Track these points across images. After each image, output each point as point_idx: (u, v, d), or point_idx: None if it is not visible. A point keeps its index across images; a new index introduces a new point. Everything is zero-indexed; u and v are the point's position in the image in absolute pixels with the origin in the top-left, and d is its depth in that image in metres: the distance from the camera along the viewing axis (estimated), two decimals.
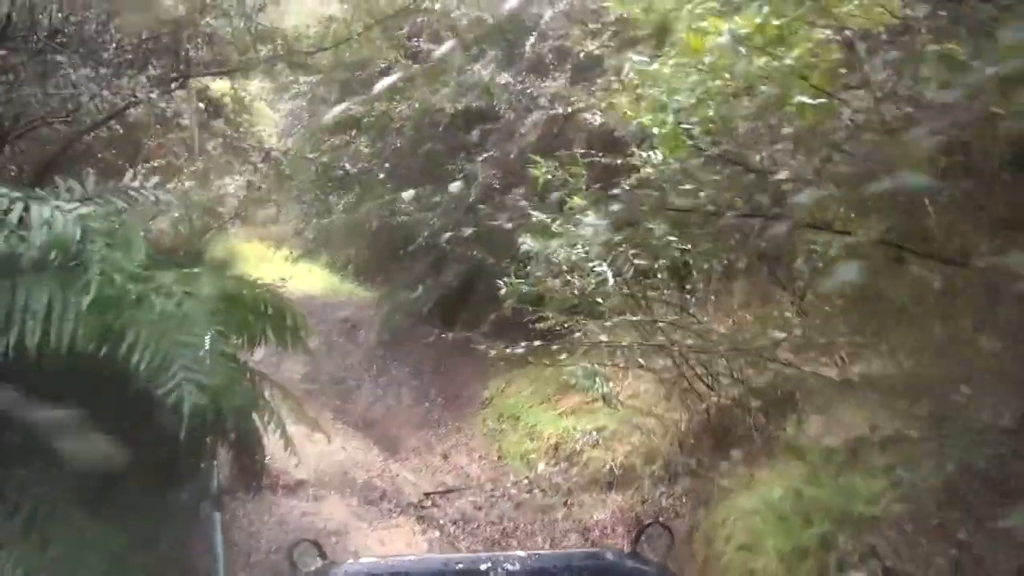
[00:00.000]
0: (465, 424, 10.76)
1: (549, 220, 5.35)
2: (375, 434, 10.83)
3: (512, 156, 9.41)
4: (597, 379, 6.10)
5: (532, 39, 10.01)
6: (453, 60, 10.21)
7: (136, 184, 4.19)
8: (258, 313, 4.74)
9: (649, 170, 4.38)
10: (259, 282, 5.23)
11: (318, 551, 3.29)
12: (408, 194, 10.08)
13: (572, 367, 6.30)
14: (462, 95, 10.21)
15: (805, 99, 3.67)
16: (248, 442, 5.04)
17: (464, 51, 10.28)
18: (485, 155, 9.73)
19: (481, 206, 9.68)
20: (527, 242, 5.64)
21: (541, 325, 7.26)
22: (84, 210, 3.40)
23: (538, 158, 5.64)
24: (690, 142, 4.13)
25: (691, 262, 5.65)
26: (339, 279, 18.32)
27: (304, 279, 17.93)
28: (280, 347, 5.21)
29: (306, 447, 9.77)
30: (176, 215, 5.25)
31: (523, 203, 7.23)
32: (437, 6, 10.70)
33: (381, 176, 11.24)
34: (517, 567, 3.02)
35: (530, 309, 7.27)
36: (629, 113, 4.53)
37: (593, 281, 4.91)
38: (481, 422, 10.51)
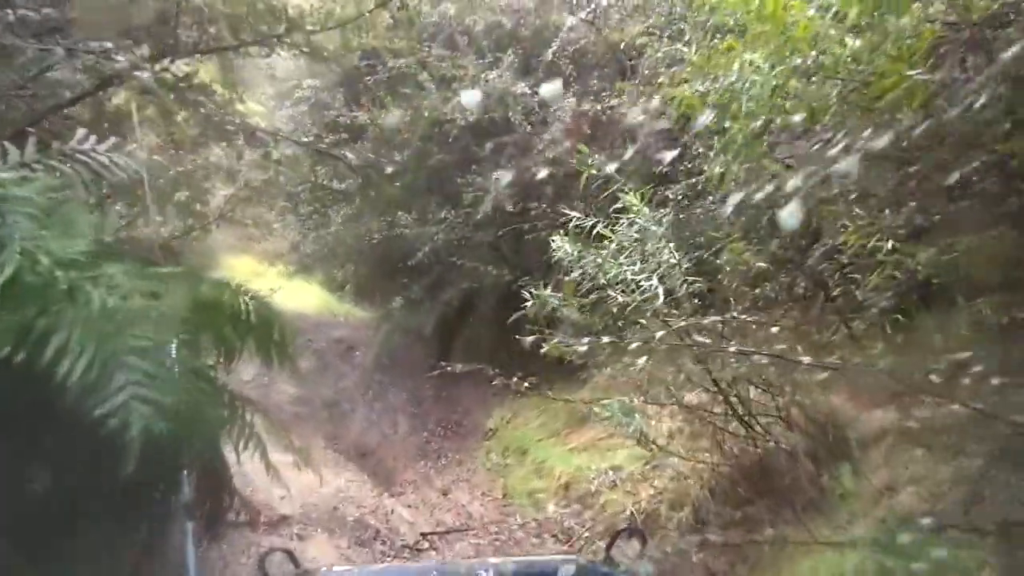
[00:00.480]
0: (467, 456, 9.96)
1: (591, 222, 4.61)
2: (369, 465, 10.02)
3: (529, 171, 8.70)
4: (636, 416, 5.31)
5: (554, 46, 9.39)
6: (467, 67, 9.58)
7: (88, 147, 3.40)
8: (239, 323, 3.98)
9: (717, 169, 3.69)
10: (244, 288, 4.46)
11: (291, 560, 3.24)
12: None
13: (607, 401, 5.51)
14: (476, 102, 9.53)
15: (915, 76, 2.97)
16: (218, 475, 4.26)
17: (478, 58, 9.65)
18: (499, 171, 9.02)
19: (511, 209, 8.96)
20: (562, 247, 4.86)
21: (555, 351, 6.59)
22: (5, 175, 2.65)
23: (583, 147, 4.87)
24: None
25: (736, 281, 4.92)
26: (336, 298, 17.61)
27: (299, 297, 17.20)
28: (265, 364, 4.44)
29: (293, 478, 8.99)
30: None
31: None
32: (452, 10, 10.10)
33: (384, 188, 10.51)
34: (491, 574, 3.10)
35: (545, 331, 6.57)
36: (688, 107, 3.81)
37: (639, 298, 4.16)
38: (484, 455, 9.72)
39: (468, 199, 9.59)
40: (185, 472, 4.24)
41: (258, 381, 14.43)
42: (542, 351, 7.36)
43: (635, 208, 4.14)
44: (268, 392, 13.73)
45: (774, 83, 3.23)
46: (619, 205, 4.39)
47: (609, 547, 3.29)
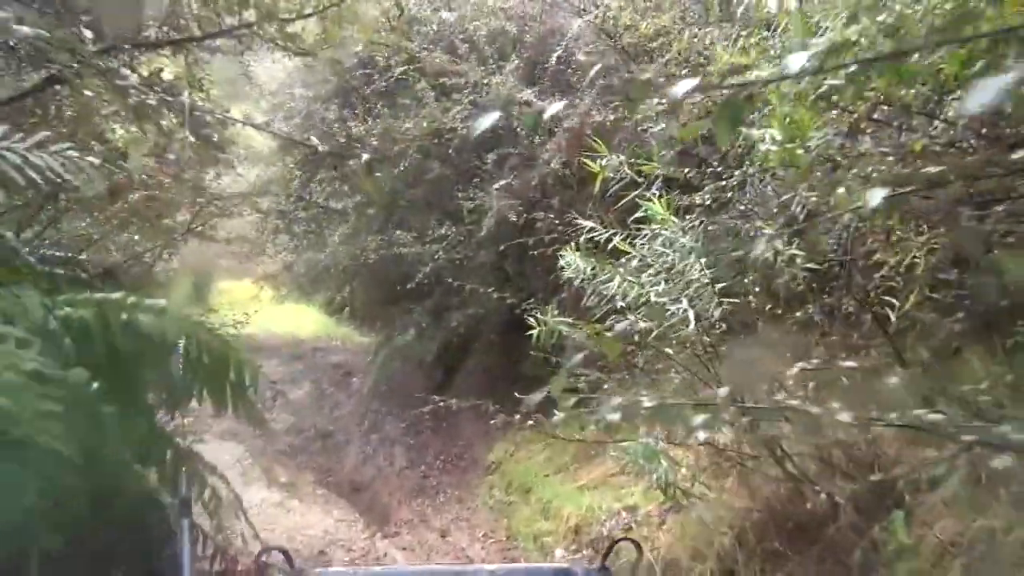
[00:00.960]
0: (467, 493, 9.24)
1: (606, 234, 3.92)
2: (362, 502, 9.32)
3: (534, 183, 8.08)
4: (662, 461, 4.61)
5: (559, 51, 8.79)
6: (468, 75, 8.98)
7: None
8: (188, 361, 3.33)
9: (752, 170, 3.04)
10: (197, 319, 3.80)
11: (286, 559, 3.18)
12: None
13: (626, 443, 4.79)
14: (477, 114, 8.92)
15: None
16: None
17: (480, 64, 9.05)
18: (502, 182, 8.38)
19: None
20: (573, 262, 4.18)
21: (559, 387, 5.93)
22: None
23: (598, 142, 4.19)
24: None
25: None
26: (335, 322, 16.97)
27: (295, 321, 16.60)
28: (217, 409, 3.78)
29: (279, 518, 8.29)
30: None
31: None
32: (453, 16, 9.52)
33: (380, 205, 9.91)
34: None
35: (552, 359, 5.97)
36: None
37: (665, 323, 3.49)
38: (486, 491, 9.00)
39: (469, 215, 8.94)
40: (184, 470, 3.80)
41: None
42: (553, 389, 6.83)
43: (660, 217, 3.48)
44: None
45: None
46: (639, 215, 3.72)
47: (605, 556, 3.29)
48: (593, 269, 3.90)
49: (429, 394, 11.95)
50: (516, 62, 8.71)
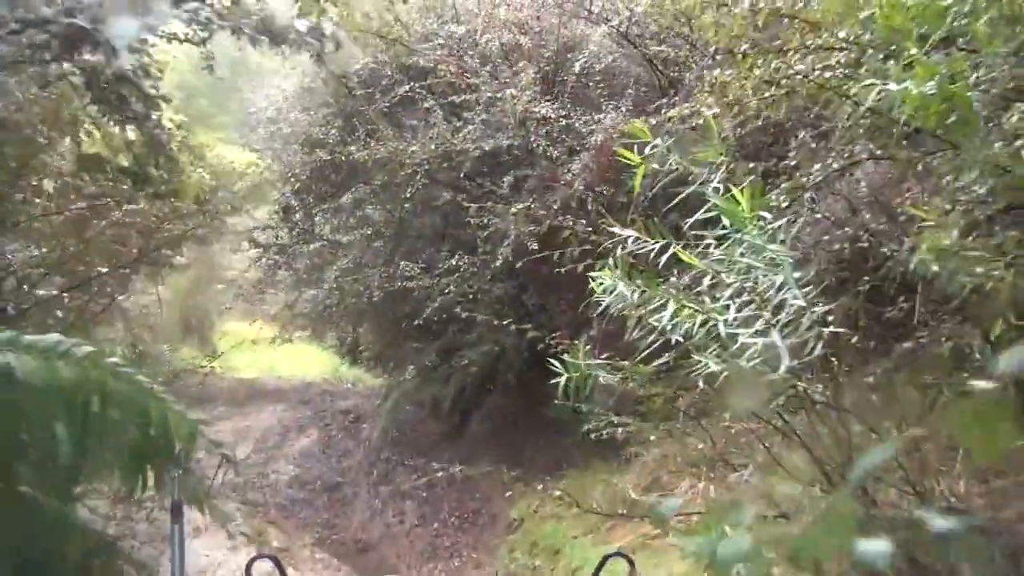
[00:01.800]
0: (485, 556, 8.24)
1: (657, 245, 2.92)
2: (368, 565, 8.36)
3: (556, 206, 7.21)
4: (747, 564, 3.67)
5: (580, 60, 7.99)
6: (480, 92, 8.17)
7: None
8: (86, 419, 2.44)
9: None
10: (123, 370, 2.88)
11: (277, 567, 3.26)
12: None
13: (691, 535, 3.83)
14: (490, 134, 8.11)
15: None
16: None
17: (493, 78, 8.24)
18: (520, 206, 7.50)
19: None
20: (609, 285, 3.21)
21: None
22: None
23: (628, 157, 3.22)
24: None
25: None
26: (347, 362, 16.08)
27: (304, 363, 15.74)
28: (125, 488, 2.87)
29: None
30: None
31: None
32: (461, 29, 8.75)
33: (386, 236, 9.08)
34: None
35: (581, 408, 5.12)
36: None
37: (746, 363, 2.53)
38: (507, 553, 8.00)
39: (483, 244, 8.07)
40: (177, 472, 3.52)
41: (255, 459, 12.93)
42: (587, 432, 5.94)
43: (739, 214, 2.51)
44: (265, 470, 12.22)
45: None
46: (701, 216, 2.79)
47: (596, 573, 3.25)
48: (639, 292, 2.96)
49: (443, 440, 11.07)
50: (532, 75, 7.88)
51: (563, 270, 8.14)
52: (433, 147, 8.21)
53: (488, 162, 8.36)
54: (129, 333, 14.45)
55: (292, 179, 9.51)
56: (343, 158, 8.73)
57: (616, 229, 3.08)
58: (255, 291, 10.85)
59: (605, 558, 3.36)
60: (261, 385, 14.62)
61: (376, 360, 13.85)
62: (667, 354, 3.01)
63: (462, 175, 8.30)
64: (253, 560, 3.22)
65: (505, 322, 7.05)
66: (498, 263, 7.71)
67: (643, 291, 2.83)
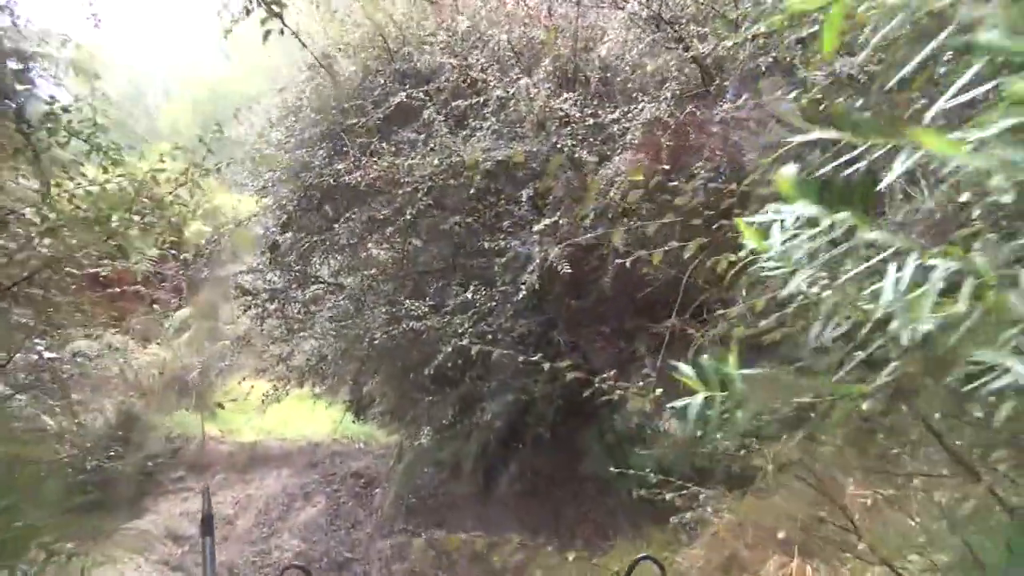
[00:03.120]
0: None
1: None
2: None
3: (589, 219, 5.86)
4: None
5: (604, 48, 6.70)
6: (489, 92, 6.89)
7: None
8: None
9: None
10: None
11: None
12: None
13: None
14: (504, 142, 6.79)
15: None
16: None
17: (503, 76, 6.95)
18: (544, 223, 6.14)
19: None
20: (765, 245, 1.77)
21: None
22: None
23: None
24: None
25: None
26: (359, 420, 14.65)
27: (312, 421, 14.33)
28: None
29: None
30: None
31: None
32: (464, 24, 7.50)
33: (389, 270, 7.74)
34: None
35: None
36: None
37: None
38: None
39: (502, 272, 6.72)
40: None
41: (257, 533, 11.50)
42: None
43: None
44: (267, 546, 10.78)
45: None
46: None
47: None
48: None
49: (466, 506, 9.60)
50: (549, 68, 6.59)
51: (599, 297, 6.80)
52: (436, 161, 6.91)
53: (502, 175, 7.05)
54: (120, 397, 13.20)
55: (278, 211, 8.21)
56: (332, 182, 7.45)
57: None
58: (243, 345, 9.53)
59: (635, 562, 3.38)
60: (264, 448, 13.22)
61: (390, 415, 12.46)
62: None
63: (471, 193, 6.96)
64: (285, 569, 3.93)
65: (535, 358, 5.69)
66: (521, 295, 6.33)
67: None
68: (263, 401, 9.24)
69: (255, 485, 12.45)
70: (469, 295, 6.68)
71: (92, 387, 13.38)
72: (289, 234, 8.47)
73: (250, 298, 9.02)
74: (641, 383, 5.85)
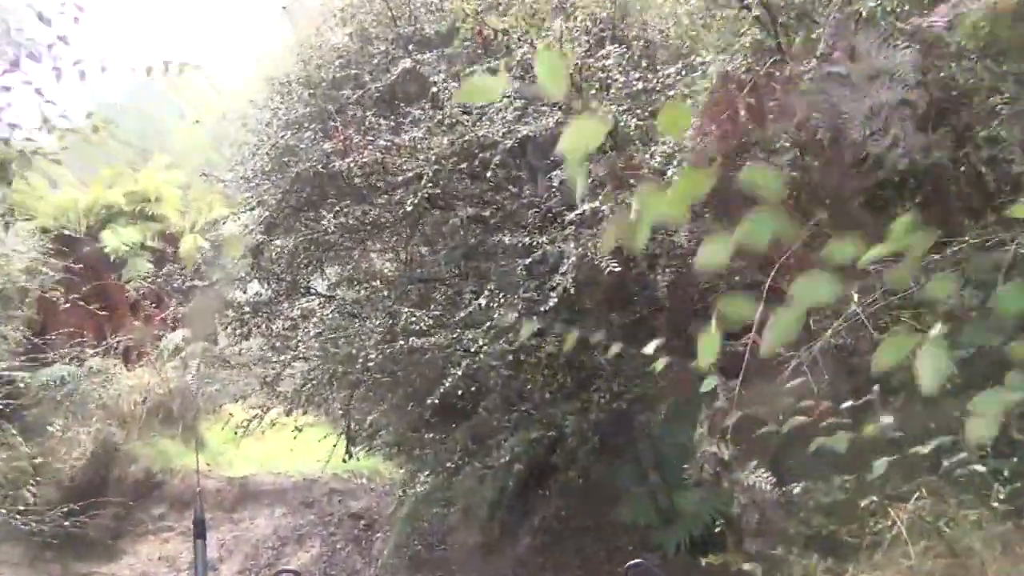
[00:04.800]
0: None
1: None
2: None
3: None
4: None
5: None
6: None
7: None
8: None
9: None
10: None
11: None
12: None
13: None
14: (530, 115, 5.45)
15: None
16: None
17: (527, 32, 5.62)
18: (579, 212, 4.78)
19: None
20: None
21: None
22: None
23: None
24: None
25: None
26: (353, 455, 13.19)
27: (310, 453, 12.89)
28: None
29: None
30: None
31: None
32: None
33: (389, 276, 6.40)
34: None
35: None
36: None
37: None
38: None
39: (527, 277, 5.36)
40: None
41: None
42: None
43: None
44: None
45: None
46: None
47: None
48: None
49: (479, 559, 8.20)
50: (584, 18, 5.26)
51: (651, 306, 5.42)
52: (446, 141, 5.58)
53: (527, 157, 5.72)
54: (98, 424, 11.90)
55: (260, 209, 6.89)
56: (322, 169, 6.15)
57: None
58: (234, 366, 8.21)
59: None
60: (255, 484, 11.81)
61: (397, 447, 11.07)
62: None
63: (489, 178, 5.61)
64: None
65: (569, 393, 4.32)
66: (551, 302, 4.95)
67: None
68: (235, 433, 7.87)
69: (244, 526, 11.06)
70: (483, 303, 5.28)
71: (69, 413, 12.14)
72: (275, 236, 7.16)
73: (231, 312, 7.70)
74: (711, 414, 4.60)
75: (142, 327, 14.84)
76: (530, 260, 5.26)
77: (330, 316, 6.38)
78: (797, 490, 4.02)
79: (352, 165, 5.81)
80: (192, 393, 12.26)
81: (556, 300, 4.94)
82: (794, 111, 4.54)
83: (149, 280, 14.50)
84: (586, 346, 6.05)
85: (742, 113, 4.56)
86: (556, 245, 5.20)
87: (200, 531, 6.16)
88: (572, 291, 4.70)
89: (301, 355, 6.86)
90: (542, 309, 5.17)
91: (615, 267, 4.38)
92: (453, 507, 8.51)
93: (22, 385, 12.70)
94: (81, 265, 14.91)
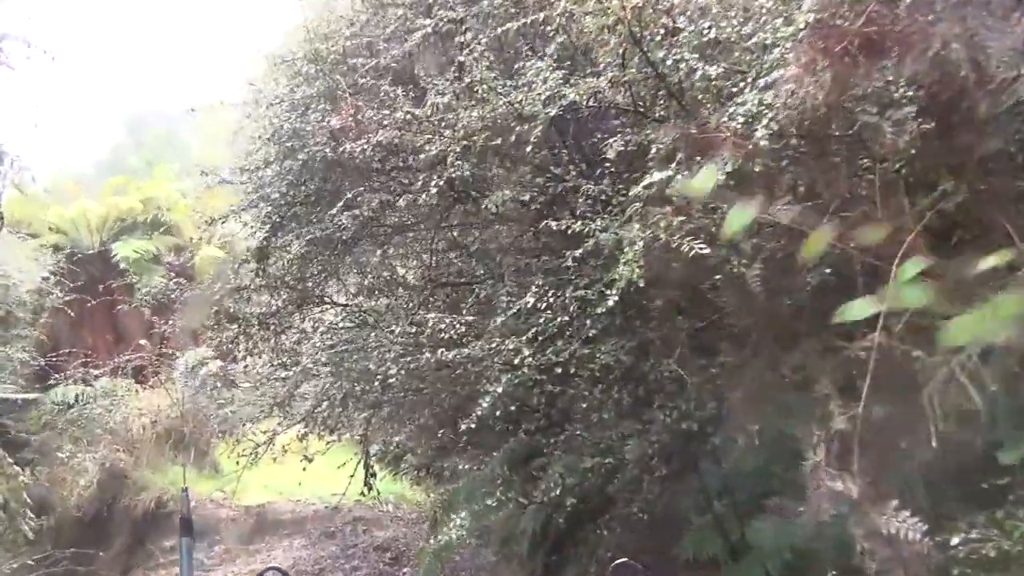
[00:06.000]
0: None
1: None
2: None
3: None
4: None
5: None
6: None
7: None
8: None
9: None
10: None
11: None
12: None
13: None
14: (576, 78, 4.52)
15: None
16: None
17: None
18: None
19: None
20: None
21: None
22: None
23: None
24: None
25: None
26: (390, 474, 12.26)
27: (333, 478, 11.99)
28: None
29: None
30: None
31: None
32: None
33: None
34: None
35: None
36: None
37: None
38: None
39: (577, 270, 4.42)
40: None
41: None
42: None
43: None
44: None
45: None
46: None
47: None
48: None
49: None
50: None
51: (736, 303, 4.45)
52: (475, 114, 4.66)
53: (573, 129, 4.79)
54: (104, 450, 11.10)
55: (263, 203, 6.02)
56: (331, 154, 5.27)
57: None
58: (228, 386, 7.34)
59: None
60: (274, 513, 10.94)
61: (424, 470, 10.15)
62: None
63: (530, 153, 4.68)
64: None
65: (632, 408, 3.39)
66: (611, 300, 4.00)
67: None
68: (237, 463, 7.00)
69: (261, 558, 10.18)
70: (531, 301, 4.32)
71: (75, 439, 11.39)
72: (282, 237, 6.29)
73: (235, 326, 6.83)
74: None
75: (155, 345, 14.11)
76: (581, 251, 4.31)
77: (343, 326, 5.46)
78: (956, 540, 3.06)
79: (366, 147, 4.91)
80: (205, 416, 11.44)
81: (616, 299, 3.98)
82: (917, 49, 3.56)
83: (159, 295, 13.83)
84: (642, 353, 5.12)
85: (847, 58, 3.60)
86: (612, 232, 4.25)
87: (187, 529, 6.10)
88: (639, 285, 3.73)
89: (312, 372, 5.95)
90: (598, 311, 4.23)
91: (702, 248, 3.40)
92: (491, 538, 7.58)
93: (28, 408, 12.02)
94: (91, 282, 14.29)
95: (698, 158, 3.89)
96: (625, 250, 3.86)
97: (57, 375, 12.41)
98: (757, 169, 3.72)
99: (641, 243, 3.68)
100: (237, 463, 7.31)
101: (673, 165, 3.80)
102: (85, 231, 16.51)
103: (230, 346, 6.98)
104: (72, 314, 13.94)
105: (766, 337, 4.04)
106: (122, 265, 15.99)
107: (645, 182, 3.71)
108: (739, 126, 3.81)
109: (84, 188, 18.32)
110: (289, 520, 10.83)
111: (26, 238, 16.03)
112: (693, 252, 3.40)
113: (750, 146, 3.73)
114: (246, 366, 7.80)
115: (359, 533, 10.18)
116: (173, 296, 8.33)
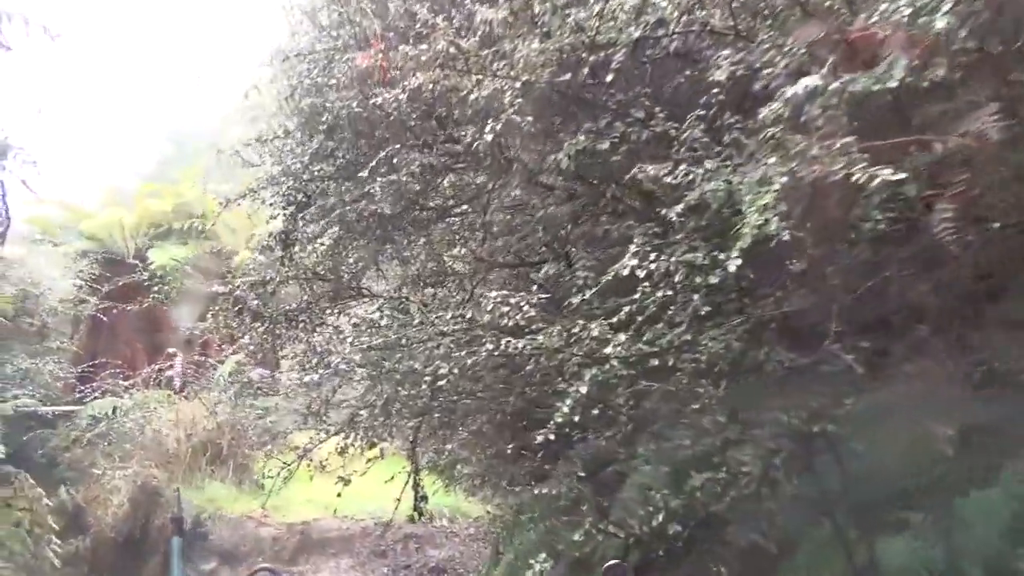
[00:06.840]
0: None
1: None
2: None
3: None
4: None
5: None
6: None
7: None
8: None
9: None
10: None
11: None
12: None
13: None
14: None
15: None
16: None
17: None
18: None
19: None
20: None
21: None
22: None
23: None
24: None
25: None
26: (443, 485, 11.28)
27: (384, 492, 11.11)
28: None
29: None
30: None
31: None
32: None
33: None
34: None
35: None
36: None
37: None
38: None
39: (680, 230, 3.40)
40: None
41: None
42: None
43: None
44: None
45: None
46: None
47: None
48: None
49: None
50: None
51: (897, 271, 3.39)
52: (536, 44, 3.68)
53: (652, 72, 3.79)
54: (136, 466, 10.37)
55: (285, 178, 5.12)
56: (358, 109, 4.33)
57: None
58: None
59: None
60: (319, 531, 10.07)
61: (480, 480, 9.21)
62: None
63: (606, 93, 3.69)
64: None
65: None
66: (730, 267, 2.98)
67: None
68: (269, 478, 6.13)
69: None
70: (632, 264, 3.30)
71: (105, 454, 10.71)
72: (307, 219, 5.39)
73: (259, 325, 5.95)
74: None
75: (192, 353, 13.43)
76: (683, 205, 3.30)
77: (383, 323, 4.50)
78: None
79: (400, 95, 3.96)
80: (243, 427, 10.65)
81: (740, 262, 2.97)
82: None
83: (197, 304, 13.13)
84: (758, 341, 4.08)
85: None
86: (723, 180, 3.23)
87: (178, 529, 6.32)
88: (782, 238, 2.71)
89: (348, 375, 5.02)
90: (710, 280, 3.21)
91: (893, 175, 2.36)
92: (563, 559, 6.63)
93: (59, 421, 11.44)
94: (126, 289, 13.65)
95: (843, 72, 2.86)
96: (754, 195, 2.84)
97: (89, 386, 11.76)
98: (940, 72, 2.68)
99: (785, 179, 2.65)
100: (269, 478, 6.45)
101: (820, 75, 2.77)
102: (120, 237, 15.93)
103: (252, 348, 6.12)
104: (106, 320, 13.36)
105: (952, 311, 2.98)
106: (159, 273, 15.36)
107: (783, 96, 2.69)
108: (906, 18, 2.78)
109: (121, 197, 17.83)
110: (335, 538, 9.96)
111: (58, 244, 15.55)
112: (876, 183, 2.35)
113: (927, 37, 2.70)
114: (282, 372, 6.93)
115: (411, 552, 9.29)
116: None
